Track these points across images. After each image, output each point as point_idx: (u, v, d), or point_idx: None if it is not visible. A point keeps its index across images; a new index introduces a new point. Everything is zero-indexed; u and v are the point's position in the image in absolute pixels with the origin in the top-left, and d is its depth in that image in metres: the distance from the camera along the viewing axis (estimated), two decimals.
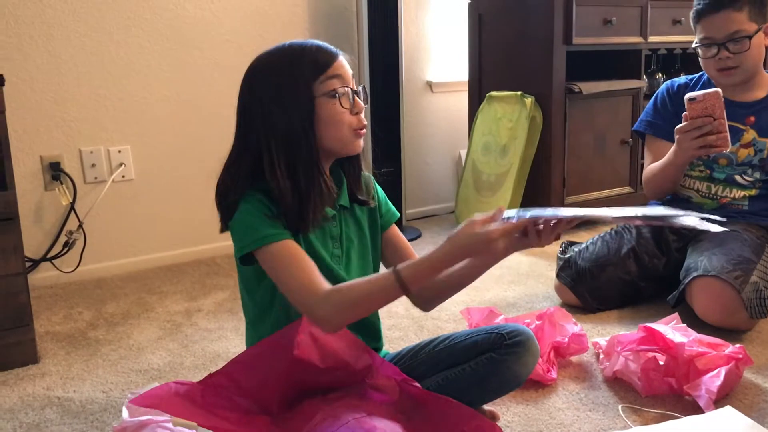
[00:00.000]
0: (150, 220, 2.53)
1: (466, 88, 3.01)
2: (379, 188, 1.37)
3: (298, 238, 1.19)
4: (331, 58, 1.18)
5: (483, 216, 1.08)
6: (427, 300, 1.36)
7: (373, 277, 1.13)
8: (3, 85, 1.66)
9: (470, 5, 2.94)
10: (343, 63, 1.20)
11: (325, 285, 1.11)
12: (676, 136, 1.79)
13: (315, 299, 1.10)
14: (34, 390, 1.60)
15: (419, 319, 1.88)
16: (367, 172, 1.32)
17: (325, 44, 1.21)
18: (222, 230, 1.25)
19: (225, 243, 2.63)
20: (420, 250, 1.33)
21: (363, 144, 1.24)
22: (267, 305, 1.26)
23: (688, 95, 1.73)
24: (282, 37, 2.65)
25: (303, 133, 1.16)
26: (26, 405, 1.54)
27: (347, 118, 1.18)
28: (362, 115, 1.21)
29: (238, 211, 1.18)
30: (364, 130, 1.22)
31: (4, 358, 1.71)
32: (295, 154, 1.16)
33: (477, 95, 2.92)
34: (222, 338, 1.87)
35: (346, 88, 1.18)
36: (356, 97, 1.20)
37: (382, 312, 1.35)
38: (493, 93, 2.81)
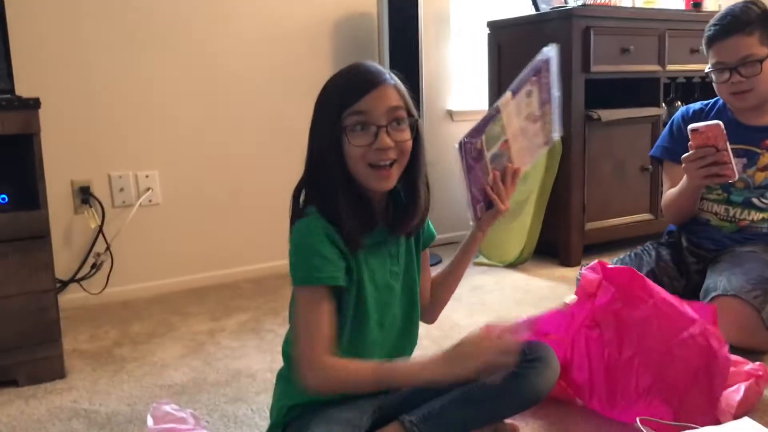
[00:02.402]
0: (176, 243, 2.59)
1: None
2: None
3: (356, 256, 1.20)
4: (362, 91, 1.14)
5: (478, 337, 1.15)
6: (425, 313, 1.41)
7: (361, 367, 1.16)
8: (39, 107, 1.73)
9: (489, 35, 3.00)
10: (376, 96, 1.14)
11: (326, 356, 1.14)
12: (682, 165, 1.81)
13: (311, 367, 1.14)
14: (61, 403, 1.64)
15: (438, 339, 1.90)
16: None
17: (370, 71, 1.17)
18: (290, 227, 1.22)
19: (248, 267, 2.70)
20: None
21: (391, 182, 1.19)
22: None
23: (690, 126, 1.75)
24: (305, 64, 2.73)
25: (331, 164, 1.17)
26: (54, 416, 1.57)
27: (361, 154, 1.15)
28: (391, 150, 1.15)
29: (305, 235, 1.16)
30: (389, 167, 1.17)
31: (34, 373, 1.75)
32: (322, 181, 1.18)
33: None
34: (245, 356, 1.90)
35: (364, 125, 1.15)
36: (383, 133, 1.14)
37: None
38: None
